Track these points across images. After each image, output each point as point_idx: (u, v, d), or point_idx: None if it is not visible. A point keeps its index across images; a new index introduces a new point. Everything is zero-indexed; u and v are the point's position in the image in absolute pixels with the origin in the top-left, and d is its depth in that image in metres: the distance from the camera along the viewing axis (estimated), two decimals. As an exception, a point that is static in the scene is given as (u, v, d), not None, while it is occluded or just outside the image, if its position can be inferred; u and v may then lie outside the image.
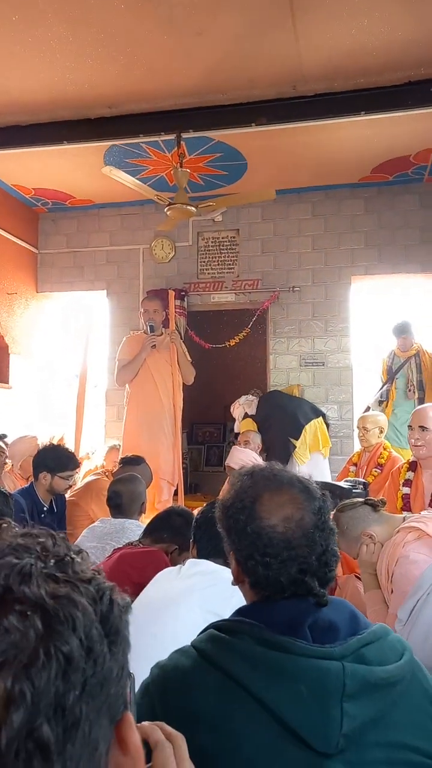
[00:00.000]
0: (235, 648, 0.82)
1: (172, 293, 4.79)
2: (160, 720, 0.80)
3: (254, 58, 3.38)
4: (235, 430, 5.16)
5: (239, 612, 0.90)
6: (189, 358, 4.52)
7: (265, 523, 0.90)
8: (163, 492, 4.29)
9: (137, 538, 2.14)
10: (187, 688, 0.83)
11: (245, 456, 3.80)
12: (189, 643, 0.90)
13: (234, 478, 1.01)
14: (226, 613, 0.97)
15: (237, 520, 0.93)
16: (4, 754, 0.34)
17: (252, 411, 4.94)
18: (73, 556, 0.47)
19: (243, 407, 5.04)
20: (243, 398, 5.07)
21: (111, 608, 0.44)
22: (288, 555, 0.88)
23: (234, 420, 5.38)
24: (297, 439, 4.69)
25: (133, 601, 1.73)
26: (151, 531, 2.10)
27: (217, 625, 0.88)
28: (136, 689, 0.88)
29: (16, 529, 0.50)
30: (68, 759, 0.37)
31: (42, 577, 0.42)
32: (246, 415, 4.95)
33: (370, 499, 2.14)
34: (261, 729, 0.77)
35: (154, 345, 4.34)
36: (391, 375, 5.01)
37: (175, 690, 0.83)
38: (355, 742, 0.77)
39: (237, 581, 0.96)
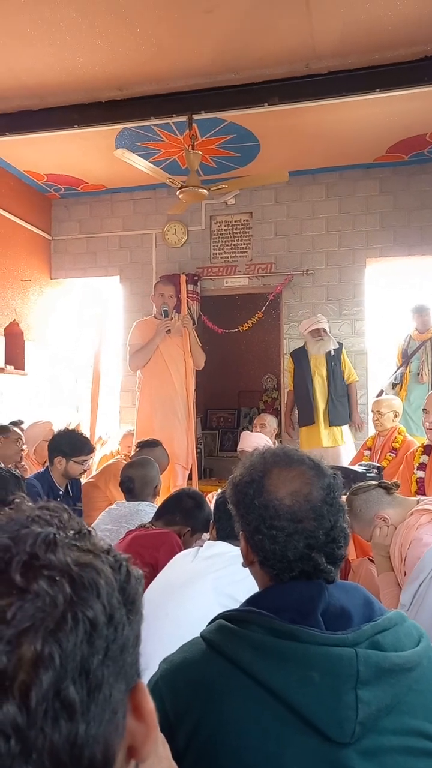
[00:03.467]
0: (244, 638, 0.81)
1: (183, 277, 4.77)
2: (169, 713, 0.80)
3: (265, 35, 3.32)
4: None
5: (249, 601, 0.89)
6: (199, 343, 4.51)
7: (272, 496, 0.90)
8: (177, 477, 4.31)
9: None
10: (195, 679, 0.82)
11: (258, 439, 3.80)
12: (198, 634, 0.90)
13: (245, 457, 1.01)
14: (240, 595, 0.96)
15: (245, 494, 0.93)
16: (34, 712, 0.36)
17: None
18: (90, 528, 0.49)
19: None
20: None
21: (128, 578, 0.46)
22: (295, 528, 0.88)
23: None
24: None
25: (145, 583, 1.75)
26: (162, 513, 2.12)
27: (227, 616, 0.88)
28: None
29: (30, 504, 0.51)
30: (92, 719, 0.39)
31: (66, 546, 0.44)
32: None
33: (383, 482, 2.13)
34: (271, 718, 0.76)
35: (169, 330, 4.33)
36: (406, 358, 4.96)
37: (184, 682, 0.83)
38: (370, 729, 0.75)
39: (247, 562, 0.95)
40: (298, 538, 0.87)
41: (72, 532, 0.46)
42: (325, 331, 4.89)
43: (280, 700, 0.76)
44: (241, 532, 0.96)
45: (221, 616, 0.88)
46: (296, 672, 0.77)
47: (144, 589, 0.50)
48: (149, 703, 0.47)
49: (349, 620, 0.82)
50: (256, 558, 0.92)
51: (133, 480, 2.55)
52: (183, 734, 0.78)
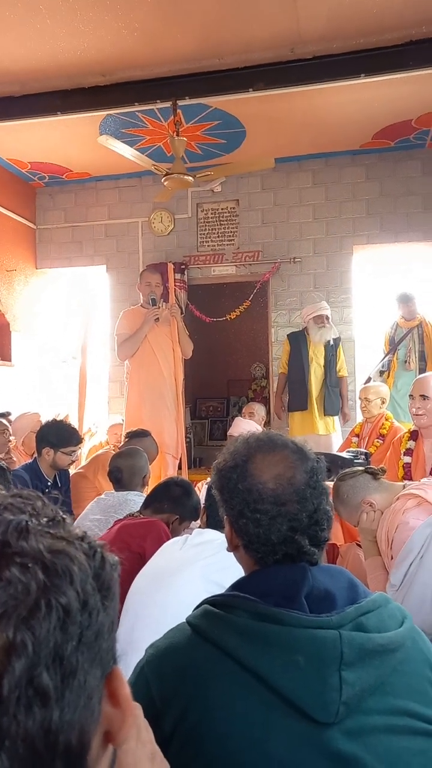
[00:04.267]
0: (229, 623, 0.81)
1: (171, 266, 4.74)
2: (155, 699, 0.80)
3: (250, 19, 3.28)
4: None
5: (234, 586, 0.90)
6: (187, 332, 4.50)
7: (256, 481, 0.91)
8: (168, 466, 4.32)
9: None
10: (181, 665, 0.83)
11: (248, 426, 3.81)
12: (184, 619, 0.90)
13: (230, 443, 1.01)
14: (228, 582, 0.97)
15: (229, 479, 0.94)
16: (6, 700, 0.36)
17: None
18: (64, 516, 0.48)
19: None
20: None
21: (103, 564, 0.46)
22: (278, 511, 0.88)
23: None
24: None
25: (133, 571, 1.74)
26: (150, 502, 2.12)
27: (212, 601, 0.88)
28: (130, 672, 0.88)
29: (4, 492, 0.51)
30: (66, 705, 0.39)
31: (39, 533, 0.43)
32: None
33: (370, 468, 2.15)
34: (257, 702, 0.77)
35: (158, 318, 4.31)
36: (393, 346, 4.98)
37: (170, 667, 0.83)
38: (354, 710, 0.76)
39: (231, 546, 0.96)
40: (282, 521, 0.88)
41: (45, 519, 0.45)
42: (327, 318, 4.87)
43: (265, 684, 0.77)
44: (225, 517, 0.97)
45: (206, 601, 0.88)
46: (281, 656, 0.78)
47: (121, 576, 0.50)
48: (125, 689, 0.47)
49: (333, 603, 0.83)
50: (240, 542, 0.93)
51: (122, 470, 2.55)
52: (169, 719, 0.79)
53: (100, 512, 2.53)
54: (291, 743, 0.75)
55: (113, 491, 2.61)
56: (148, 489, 2.68)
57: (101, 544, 0.47)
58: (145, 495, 2.42)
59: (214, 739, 0.76)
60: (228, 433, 4.30)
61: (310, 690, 0.76)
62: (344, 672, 0.76)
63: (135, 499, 2.43)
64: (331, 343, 4.87)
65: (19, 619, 0.38)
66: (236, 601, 0.84)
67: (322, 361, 4.88)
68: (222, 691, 0.79)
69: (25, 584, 0.39)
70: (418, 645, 0.85)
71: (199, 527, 1.82)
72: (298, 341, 4.97)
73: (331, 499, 0.96)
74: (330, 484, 2.40)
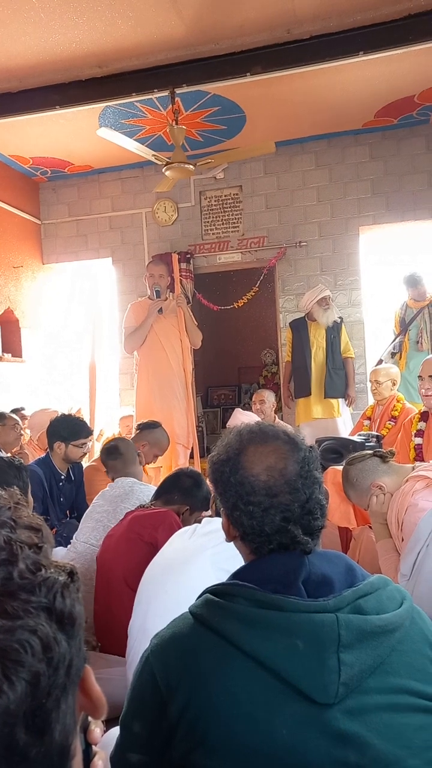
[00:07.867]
0: (230, 610, 0.84)
1: (175, 256, 4.73)
2: (161, 687, 0.82)
3: (244, 1, 3.23)
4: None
5: (234, 575, 0.91)
6: (195, 322, 4.50)
7: (248, 473, 0.92)
8: (179, 456, 4.34)
9: (148, 500, 2.18)
10: (185, 653, 0.84)
11: (245, 418, 3.81)
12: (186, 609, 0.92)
13: (224, 435, 1.02)
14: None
15: (222, 472, 0.95)
16: None
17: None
18: (18, 552, 0.44)
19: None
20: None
21: (64, 602, 0.43)
22: (270, 503, 0.89)
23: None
24: None
25: (145, 561, 1.76)
26: (161, 493, 2.14)
27: (212, 590, 0.90)
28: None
29: None
30: (40, 759, 0.39)
31: None
32: None
33: (378, 451, 2.15)
34: (259, 687, 0.79)
35: (161, 310, 4.31)
36: (404, 326, 4.93)
37: (174, 656, 0.85)
38: (354, 690, 0.78)
39: (230, 537, 0.98)
40: (275, 512, 0.89)
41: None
42: (330, 299, 4.87)
43: (266, 668, 0.79)
44: (221, 510, 0.98)
45: (208, 590, 0.90)
46: (281, 640, 0.79)
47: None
48: (95, 687, 0.47)
49: (331, 587, 0.84)
50: (237, 533, 0.94)
51: (116, 469, 2.63)
52: (175, 707, 0.81)
53: (108, 503, 2.55)
54: (294, 725, 0.77)
55: (120, 478, 2.63)
56: (158, 479, 2.71)
57: (61, 582, 0.44)
58: (152, 486, 2.45)
59: (219, 724, 0.78)
60: (227, 425, 4.29)
61: (310, 672, 0.77)
62: (342, 654, 0.78)
63: (142, 488, 2.45)
64: (332, 324, 4.85)
65: None
66: (236, 590, 0.86)
67: (324, 344, 4.86)
68: (225, 678, 0.80)
69: None
70: (417, 624, 0.86)
71: (210, 516, 1.84)
72: (299, 328, 4.98)
73: (324, 487, 0.96)
74: (339, 468, 2.40)
